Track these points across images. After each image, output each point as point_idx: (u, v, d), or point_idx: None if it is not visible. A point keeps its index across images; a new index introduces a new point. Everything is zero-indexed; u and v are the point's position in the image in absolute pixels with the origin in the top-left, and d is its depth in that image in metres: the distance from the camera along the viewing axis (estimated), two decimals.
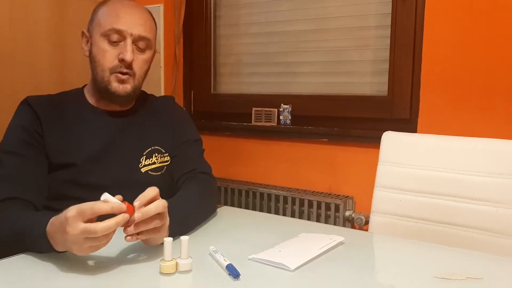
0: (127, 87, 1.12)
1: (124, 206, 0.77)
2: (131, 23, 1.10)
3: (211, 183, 1.20)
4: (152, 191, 0.83)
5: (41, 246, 0.84)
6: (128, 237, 0.80)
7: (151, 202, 0.82)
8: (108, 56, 1.10)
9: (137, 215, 0.79)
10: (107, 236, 0.77)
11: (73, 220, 0.76)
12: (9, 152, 1.05)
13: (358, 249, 0.94)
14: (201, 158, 1.25)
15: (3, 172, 1.03)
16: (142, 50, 1.13)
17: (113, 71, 1.10)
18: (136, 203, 0.80)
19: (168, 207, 0.94)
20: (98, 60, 1.11)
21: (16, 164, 1.04)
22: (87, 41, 1.15)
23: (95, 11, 1.15)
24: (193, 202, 1.07)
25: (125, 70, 1.10)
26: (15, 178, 1.02)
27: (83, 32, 1.17)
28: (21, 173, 1.03)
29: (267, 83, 2.10)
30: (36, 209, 1.02)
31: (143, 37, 1.12)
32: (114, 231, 0.77)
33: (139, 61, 1.13)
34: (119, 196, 0.80)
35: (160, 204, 0.83)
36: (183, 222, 0.99)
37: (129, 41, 1.10)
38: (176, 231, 0.93)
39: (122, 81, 1.11)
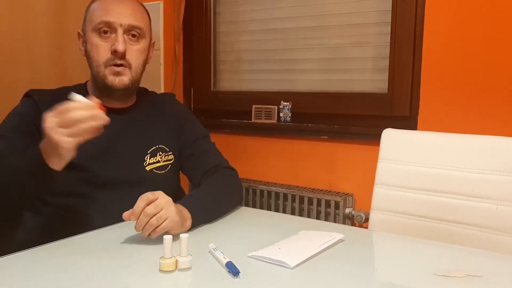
0: (124, 79, 1.11)
1: (91, 103, 0.87)
2: (120, 13, 1.09)
3: (234, 175, 1.23)
4: (142, 203, 0.88)
5: (36, 159, 0.89)
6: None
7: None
8: (101, 50, 1.09)
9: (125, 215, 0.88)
10: (79, 122, 0.84)
11: (49, 115, 0.85)
12: (0, 135, 1.05)
13: (358, 247, 0.94)
14: (218, 152, 1.28)
15: None
16: (135, 40, 1.12)
17: (107, 64, 1.09)
18: (127, 215, 0.88)
19: (190, 197, 1.04)
20: (92, 56, 1.11)
21: (1, 146, 1.04)
22: (83, 41, 1.15)
23: (87, 10, 1.14)
24: (215, 192, 1.10)
25: (119, 62, 1.09)
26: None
27: (78, 33, 1.16)
28: (3, 156, 1.03)
29: (267, 80, 2.10)
30: None
31: (134, 26, 1.10)
32: (87, 119, 0.85)
33: (133, 52, 1.11)
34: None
35: (144, 199, 0.88)
36: (205, 211, 1.03)
37: (120, 31, 1.08)
38: (198, 220, 0.99)
39: (117, 73, 1.10)
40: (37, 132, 1.07)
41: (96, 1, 1.13)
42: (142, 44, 1.13)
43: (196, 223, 0.99)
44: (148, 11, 1.19)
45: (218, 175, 1.18)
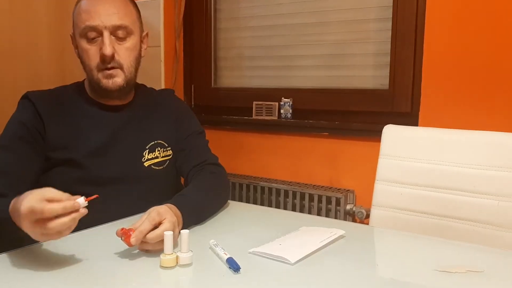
0: (117, 80, 1.10)
1: (77, 204, 0.76)
2: (103, 15, 1.07)
3: (221, 173, 1.21)
4: (148, 225, 0.82)
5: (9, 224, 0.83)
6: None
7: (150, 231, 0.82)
8: (91, 55, 1.09)
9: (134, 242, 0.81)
10: (60, 232, 0.75)
11: (24, 217, 0.75)
12: (5, 146, 1.05)
13: (358, 243, 0.94)
14: (207, 149, 1.26)
15: None
16: (122, 39, 1.10)
17: (99, 69, 1.09)
18: (133, 239, 0.80)
19: (181, 198, 1.01)
20: (84, 61, 1.11)
21: (6, 159, 1.03)
22: (75, 45, 1.14)
23: (73, 13, 1.12)
24: (205, 193, 1.08)
25: (109, 65, 1.08)
26: (4, 175, 1.01)
27: (71, 36, 1.16)
28: (10, 169, 1.02)
29: (268, 76, 2.09)
30: None
31: (119, 26, 1.08)
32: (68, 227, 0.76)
33: (122, 51, 1.10)
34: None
35: (151, 221, 0.83)
36: (197, 213, 1.02)
37: (106, 34, 1.07)
38: (190, 222, 0.97)
39: (110, 76, 1.09)
40: (40, 137, 1.08)
41: (80, 3, 1.11)
42: (131, 41, 1.12)
43: (186, 226, 0.96)
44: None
45: (206, 173, 1.17)
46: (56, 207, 0.73)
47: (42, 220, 0.74)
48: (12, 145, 1.05)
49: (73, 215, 0.75)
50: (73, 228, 0.77)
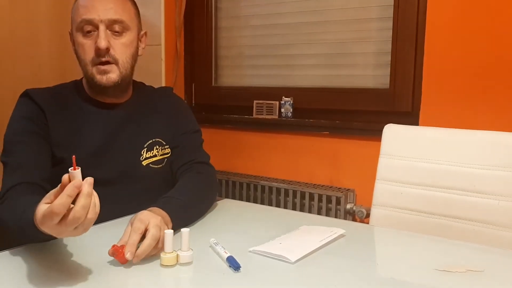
0: (111, 76, 1.08)
1: (77, 182, 0.70)
2: (100, 9, 1.06)
3: (209, 172, 1.19)
4: (135, 236, 0.80)
5: (33, 233, 0.80)
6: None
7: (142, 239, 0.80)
8: (86, 49, 1.08)
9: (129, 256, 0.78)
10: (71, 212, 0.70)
11: (46, 226, 0.72)
12: (16, 141, 1.05)
13: (359, 242, 0.94)
14: (199, 148, 1.25)
15: (12, 160, 1.02)
16: (119, 34, 1.09)
17: (93, 63, 1.08)
18: (128, 255, 0.78)
19: (168, 200, 0.99)
20: (80, 56, 1.10)
21: (24, 151, 1.04)
22: (73, 41, 1.13)
23: (72, 9, 1.12)
24: (192, 193, 1.07)
25: (103, 60, 1.07)
26: (24, 165, 1.02)
27: (69, 33, 1.16)
28: (30, 160, 1.03)
29: (269, 75, 2.09)
30: (45, 190, 1.00)
31: (116, 20, 1.07)
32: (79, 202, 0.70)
33: (118, 46, 1.09)
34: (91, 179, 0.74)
35: (136, 231, 0.81)
36: (184, 214, 1.00)
37: (101, 28, 1.06)
38: (178, 224, 0.94)
39: (104, 72, 1.08)
40: (46, 128, 1.08)
41: (78, 0, 1.11)
42: (127, 37, 1.11)
43: (175, 228, 0.93)
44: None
45: (193, 173, 1.15)
46: (60, 200, 0.69)
47: (62, 219, 0.70)
48: (23, 139, 1.05)
49: (82, 192, 0.71)
50: (98, 205, 0.73)
